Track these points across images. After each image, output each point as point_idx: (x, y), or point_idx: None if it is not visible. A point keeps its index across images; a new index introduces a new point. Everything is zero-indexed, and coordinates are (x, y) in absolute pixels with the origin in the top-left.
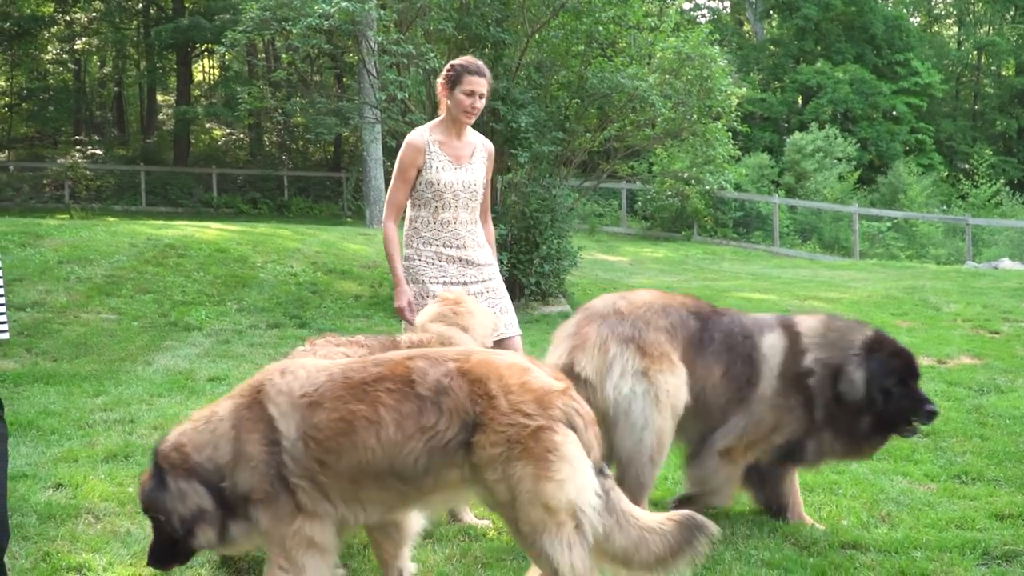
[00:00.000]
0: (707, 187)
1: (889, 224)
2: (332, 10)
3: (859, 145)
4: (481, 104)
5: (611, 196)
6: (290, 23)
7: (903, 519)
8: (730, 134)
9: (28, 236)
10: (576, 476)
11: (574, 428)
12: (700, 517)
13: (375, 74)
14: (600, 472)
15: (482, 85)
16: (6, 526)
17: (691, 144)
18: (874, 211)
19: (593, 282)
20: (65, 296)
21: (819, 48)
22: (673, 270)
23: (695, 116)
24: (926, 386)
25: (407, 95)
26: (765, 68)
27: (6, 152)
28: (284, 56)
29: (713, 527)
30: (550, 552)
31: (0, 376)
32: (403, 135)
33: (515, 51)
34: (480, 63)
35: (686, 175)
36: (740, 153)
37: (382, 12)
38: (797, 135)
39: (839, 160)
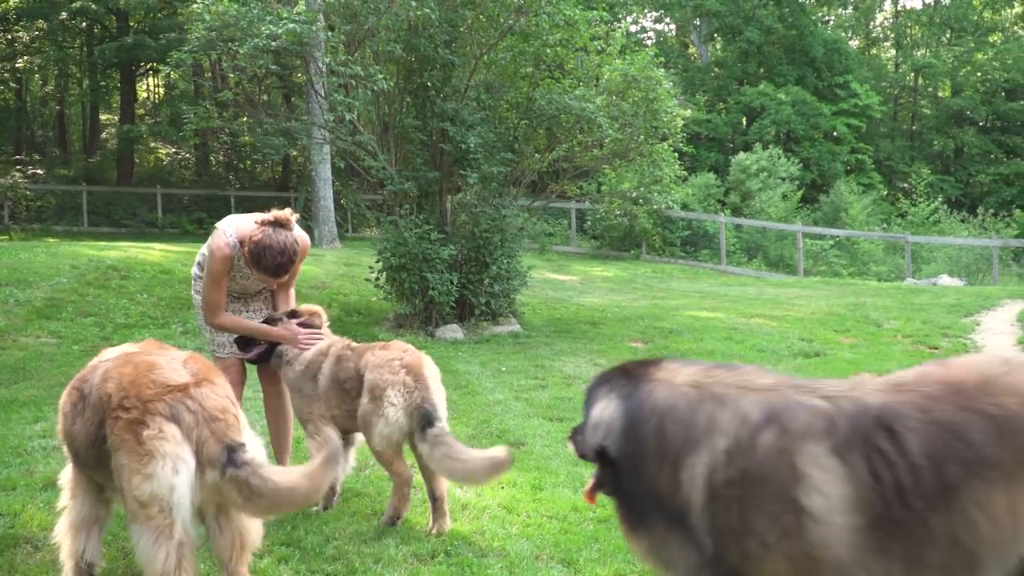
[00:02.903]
0: (655, 206)
1: (832, 242)
2: (280, 31)
3: (802, 165)
4: (284, 281)
5: (561, 216)
6: (237, 43)
7: None
8: (676, 154)
9: None
10: (164, 472)
11: (179, 424)
12: (329, 453)
13: (323, 95)
14: (229, 463)
15: (276, 283)
16: None
17: (638, 164)
18: (817, 229)
19: (543, 301)
20: (3, 319)
21: (762, 70)
22: (623, 289)
23: (642, 137)
24: None
25: (355, 116)
26: (710, 90)
27: None
28: (231, 76)
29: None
30: (135, 540)
31: None
32: (352, 155)
33: (464, 72)
34: (279, 264)
35: (634, 195)
36: (687, 173)
37: (330, 33)
38: (742, 155)
39: (783, 180)
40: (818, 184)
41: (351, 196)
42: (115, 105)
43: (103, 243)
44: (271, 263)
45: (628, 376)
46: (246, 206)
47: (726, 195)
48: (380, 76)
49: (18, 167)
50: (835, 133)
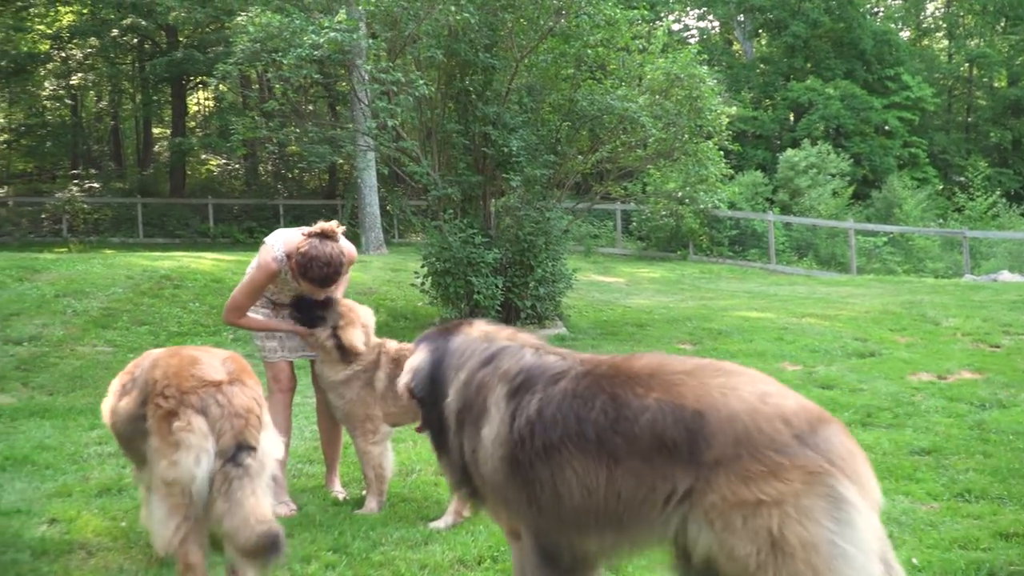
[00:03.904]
0: (701, 206)
1: (885, 239)
2: (322, 40)
3: (852, 160)
4: (332, 291)
5: (606, 217)
6: (280, 54)
7: (905, 540)
8: (722, 153)
9: (25, 271)
10: (187, 462)
11: (207, 416)
12: (280, 536)
13: (366, 102)
14: (231, 460)
15: (324, 293)
16: None
17: (683, 164)
18: (870, 226)
19: (589, 304)
20: (62, 330)
21: (809, 65)
22: (669, 290)
23: (686, 136)
24: (927, 402)
25: (398, 122)
26: (756, 86)
27: (5, 188)
28: (276, 87)
29: (283, 543)
30: (152, 511)
31: None
32: (396, 161)
33: (505, 76)
34: (327, 274)
35: (680, 195)
36: (733, 171)
37: (371, 41)
38: (790, 152)
39: (833, 176)
40: (870, 180)
41: (397, 202)
42: (167, 119)
43: (157, 253)
44: (318, 274)
45: (443, 331)
46: (294, 214)
47: (774, 193)
48: (421, 82)
49: (75, 181)
50: (887, 127)
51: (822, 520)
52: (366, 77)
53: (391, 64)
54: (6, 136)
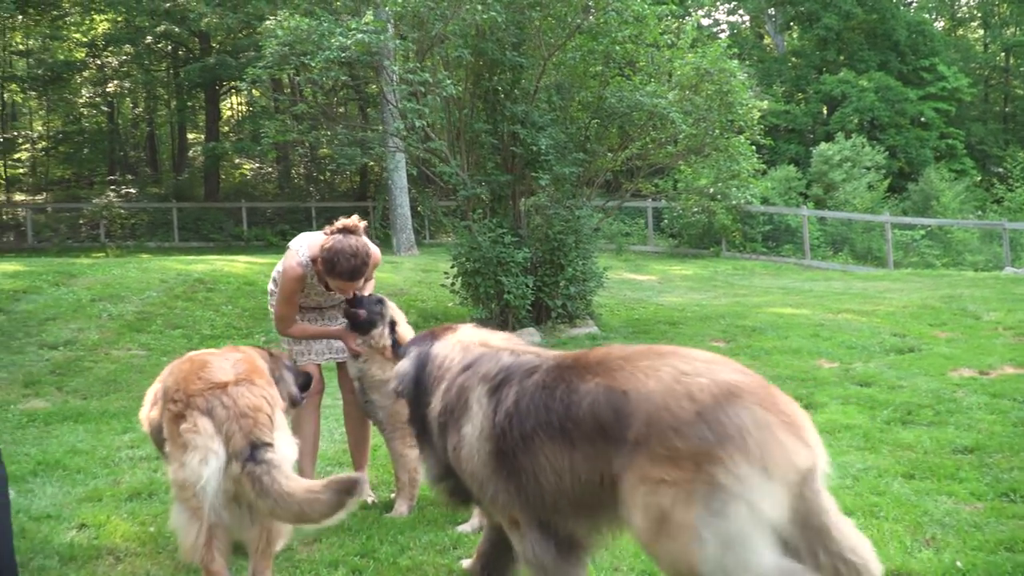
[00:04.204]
0: (733, 202)
1: (923, 232)
2: (349, 43)
3: (888, 153)
4: (358, 287)
5: (637, 215)
6: (308, 57)
7: (949, 542)
8: (754, 148)
9: (62, 275)
10: (193, 462)
11: (212, 417)
12: (347, 477)
13: (394, 103)
14: (250, 459)
15: (352, 288)
16: (14, 569)
17: (715, 159)
18: (907, 219)
19: (621, 302)
20: (97, 334)
21: (842, 57)
22: (702, 287)
23: (717, 131)
24: (969, 399)
25: (426, 122)
26: (788, 80)
27: (44, 194)
28: (306, 90)
29: (362, 480)
30: (174, 517)
31: (32, 415)
32: (425, 162)
33: (533, 74)
34: (354, 266)
35: (711, 191)
36: (765, 166)
37: (399, 42)
38: (823, 146)
39: (868, 169)
40: (906, 172)
41: (427, 203)
42: (202, 124)
43: (191, 257)
44: (346, 266)
45: (429, 336)
46: (326, 216)
47: (808, 187)
48: (449, 82)
49: (112, 187)
50: (922, 118)
51: (697, 507)
52: (394, 78)
53: (418, 64)
54: (44, 143)
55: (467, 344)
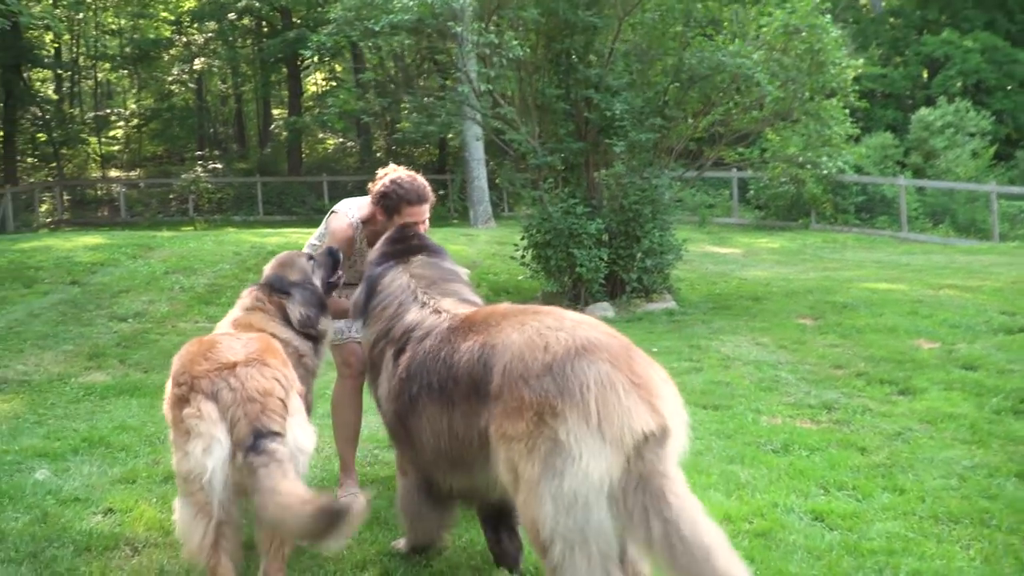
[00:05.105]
0: (824, 171)
1: None
2: (411, 4)
3: (994, 118)
4: (423, 227)
5: (721, 186)
6: (373, 21)
7: None
8: (847, 111)
9: (141, 248)
10: (196, 451)
11: (217, 402)
12: (340, 502)
13: (463, 68)
14: (252, 448)
15: (424, 213)
16: None
17: (804, 125)
18: (1015, 189)
19: (702, 276)
20: (167, 306)
21: (944, 17)
22: (790, 261)
23: (807, 94)
24: None
25: (491, 87)
26: (885, 42)
27: (137, 170)
28: (371, 57)
29: (357, 506)
30: (177, 510)
31: (89, 389)
32: (496, 131)
33: (608, 36)
34: (421, 188)
35: (801, 159)
36: (860, 131)
37: (466, 1)
38: (924, 111)
39: (972, 136)
40: (1014, 139)
41: (506, 174)
42: (287, 99)
43: (267, 230)
44: (408, 188)
45: (382, 267)
46: None
47: (906, 155)
48: (515, 43)
49: (200, 163)
50: None
51: (538, 463)
52: (467, 42)
53: (483, 26)
54: (136, 121)
55: (404, 285)
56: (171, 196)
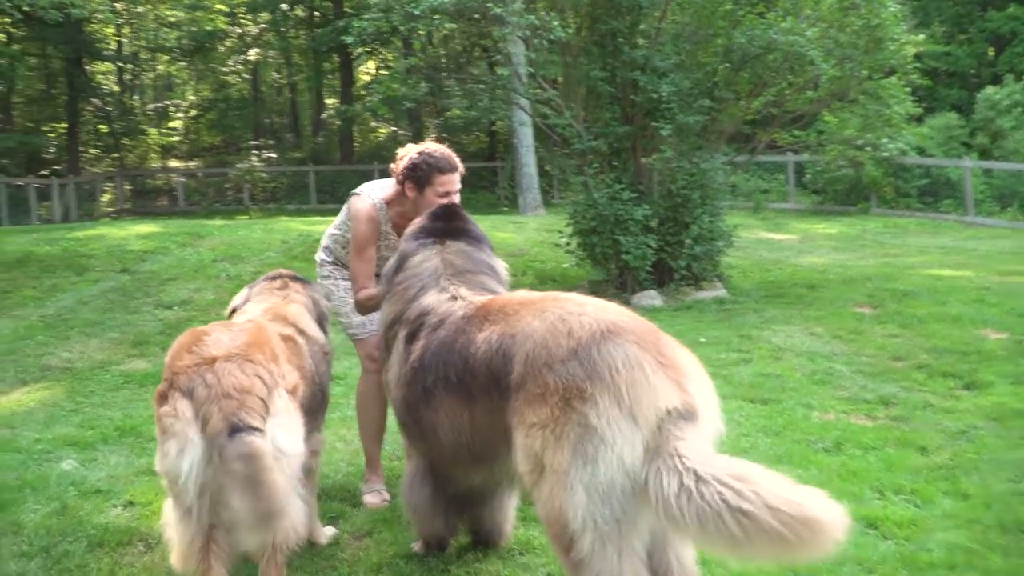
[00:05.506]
0: (885, 153)
1: None
2: None
3: None
4: (455, 200)
5: (777, 170)
6: (413, 5)
7: None
8: (908, 90)
9: (191, 237)
10: (171, 452)
11: (192, 399)
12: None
13: (505, 51)
14: (228, 439)
15: (455, 183)
16: None
17: (862, 105)
18: None
19: (755, 263)
20: (212, 294)
21: None
22: (848, 247)
23: (864, 72)
24: None
25: (530, 70)
26: (947, 18)
27: (195, 160)
28: (417, 43)
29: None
30: (164, 512)
31: (129, 376)
32: (542, 116)
33: (654, 15)
34: (450, 155)
35: (860, 141)
36: (922, 111)
37: None
38: (990, 90)
39: None
40: None
41: (555, 160)
42: (339, 88)
43: (317, 218)
44: (439, 156)
45: (417, 244)
46: None
47: (972, 136)
48: (556, 23)
49: (254, 152)
50: None
51: (567, 450)
52: (507, 27)
53: (524, 7)
54: (195, 111)
55: (431, 269)
56: (227, 185)
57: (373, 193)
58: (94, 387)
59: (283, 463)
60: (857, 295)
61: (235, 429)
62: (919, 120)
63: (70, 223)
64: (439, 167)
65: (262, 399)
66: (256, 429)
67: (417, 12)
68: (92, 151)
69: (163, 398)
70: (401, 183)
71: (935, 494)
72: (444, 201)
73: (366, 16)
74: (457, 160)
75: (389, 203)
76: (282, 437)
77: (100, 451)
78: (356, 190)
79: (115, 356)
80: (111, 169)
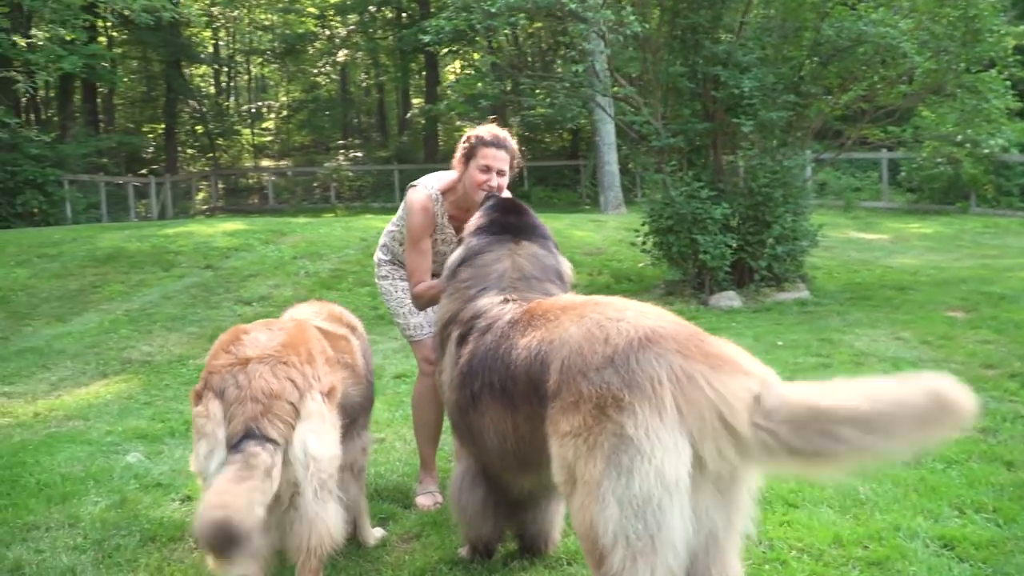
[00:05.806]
0: (985, 150)
1: None
2: None
3: None
4: (501, 182)
5: (869, 167)
6: (489, 3)
7: None
8: (1009, 84)
9: (274, 234)
10: (200, 454)
11: (223, 400)
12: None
13: (581, 48)
14: (234, 447)
15: (501, 160)
16: None
17: (960, 100)
18: None
19: (842, 264)
20: (290, 290)
21: None
22: (943, 248)
23: (962, 65)
24: None
25: (605, 66)
26: None
27: (286, 160)
28: (496, 41)
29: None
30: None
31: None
32: (621, 113)
33: (738, 8)
34: (501, 135)
35: (959, 137)
36: None
37: None
38: None
39: None
40: None
41: (638, 158)
42: (424, 88)
43: None
44: (488, 132)
45: (488, 240)
46: (537, 176)
47: None
48: (633, 18)
49: (341, 151)
50: None
51: (600, 460)
52: (584, 23)
53: (601, 2)
54: (286, 112)
55: (500, 272)
56: (315, 184)
57: (429, 183)
58: (169, 380)
59: (312, 467)
60: (950, 298)
61: (247, 436)
62: (1021, 115)
63: (166, 220)
64: (484, 141)
65: (292, 403)
66: (269, 440)
67: (494, 10)
68: (189, 151)
69: (198, 397)
70: (457, 163)
71: (1019, 513)
72: (484, 178)
73: (443, 15)
74: (509, 140)
75: (445, 193)
76: (312, 442)
77: (167, 444)
78: (414, 182)
79: (193, 350)
80: (206, 168)
